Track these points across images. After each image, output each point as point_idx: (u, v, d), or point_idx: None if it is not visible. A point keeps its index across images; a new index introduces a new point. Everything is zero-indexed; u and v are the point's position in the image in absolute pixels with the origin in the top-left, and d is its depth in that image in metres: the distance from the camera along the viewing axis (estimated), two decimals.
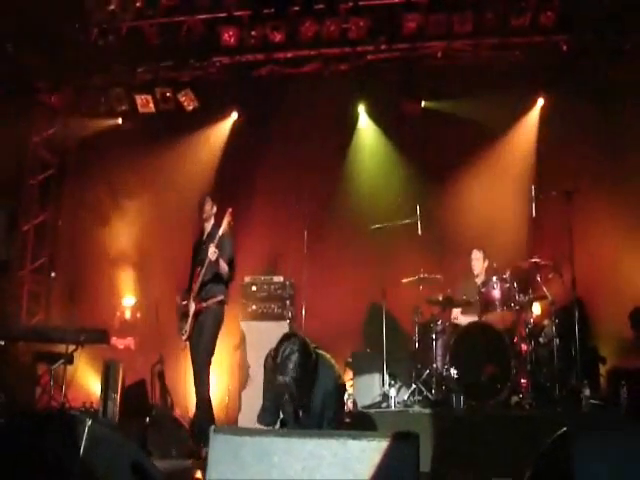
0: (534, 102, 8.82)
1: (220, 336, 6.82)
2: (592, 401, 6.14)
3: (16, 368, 8.04)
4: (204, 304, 6.27)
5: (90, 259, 9.41)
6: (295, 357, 3.94)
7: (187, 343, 6.34)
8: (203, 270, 6.18)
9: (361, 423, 6.15)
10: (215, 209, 6.59)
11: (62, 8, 8.75)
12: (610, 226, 7.86)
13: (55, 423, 4.87)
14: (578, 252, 6.68)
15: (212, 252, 6.03)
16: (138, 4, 8.60)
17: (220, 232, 6.14)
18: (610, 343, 7.32)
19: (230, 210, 6.25)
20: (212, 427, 3.09)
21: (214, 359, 6.37)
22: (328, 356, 4.35)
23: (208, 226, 6.58)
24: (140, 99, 9.21)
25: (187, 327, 6.25)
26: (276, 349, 4.02)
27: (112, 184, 9.45)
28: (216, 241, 6.10)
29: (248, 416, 7.13)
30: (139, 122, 9.52)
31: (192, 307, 6.27)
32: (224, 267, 6.22)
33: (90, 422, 4.55)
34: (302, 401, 4.11)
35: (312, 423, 4.12)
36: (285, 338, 4.05)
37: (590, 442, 3.12)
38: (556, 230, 7.07)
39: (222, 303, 6.38)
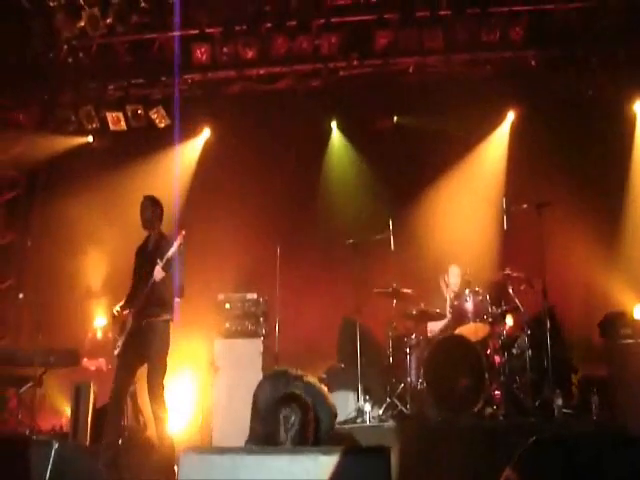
0: (504, 116, 9.20)
1: (194, 353, 6.88)
2: (564, 410, 6.37)
3: None
4: (144, 322, 6.09)
5: (60, 279, 9.46)
6: (297, 427, 3.72)
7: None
8: (147, 289, 6.04)
9: (336, 439, 6.28)
10: (158, 212, 6.40)
11: (31, 24, 8.95)
12: (580, 238, 8.20)
13: (21, 448, 4.95)
14: (549, 263, 6.93)
15: (158, 273, 5.94)
16: (108, 21, 8.73)
17: (169, 254, 5.98)
18: (581, 352, 7.57)
19: (183, 233, 6.08)
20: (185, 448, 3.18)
21: (188, 377, 6.42)
22: (319, 385, 4.34)
23: (153, 235, 6.41)
24: (111, 116, 9.34)
25: (120, 342, 6.13)
26: (277, 410, 3.96)
27: (82, 203, 9.52)
28: (163, 262, 5.96)
29: (223, 435, 7.24)
30: (110, 140, 9.69)
31: (129, 323, 6.12)
32: (170, 287, 6.10)
33: (57, 446, 4.64)
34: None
35: None
36: (285, 403, 3.80)
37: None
38: (527, 242, 7.32)
39: (167, 322, 6.22)
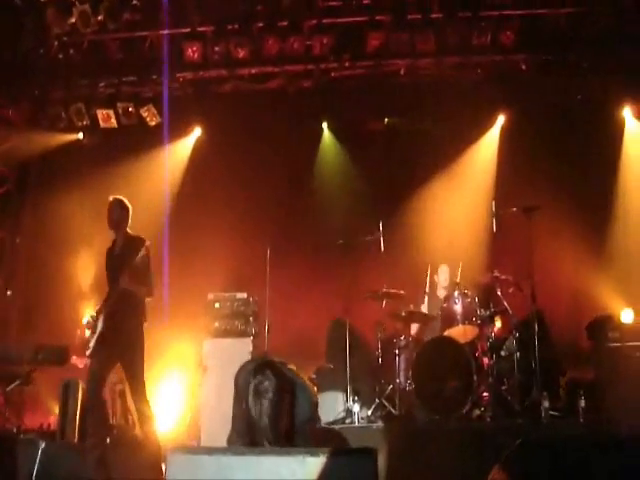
0: (495, 119, 9.30)
1: (183, 354, 6.88)
2: (552, 412, 6.44)
3: None
4: (116, 324, 6.07)
5: (49, 277, 9.45)
6: (270, 395, 3.77)
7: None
8: (115, 294, 6.07)
9: (324, 439, 6.34)
10: (124, 214, 6.40)
11: (22, 20, 8.94)
12: (568, 241, 8.32)
13: (8, 446, 4.96)
14: (538, 267, 7.03)
15: (123, 282, 5.99)
16: (100, 17, 8.71)
17: (135, 261, 6.03)
18: (569, 355, 7.68)
19: (147, 244, 6.15)
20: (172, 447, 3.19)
21: (177, 376, 6.43)
22: (300, 376, 4.37)
23: (119, 237, 6.41)
24: (101, 114, 9.34)
25: (92, 343, 6.12)
26: (249, 381, 3.82)
27: (72, 200, 9.51)
28: (127, 270, 6.01)
29: (211, 434, 7.26)
30: (100, 137, 9.69)
31: (100, 324, 6.10)
32: (139, 290, 6.15)
33: (44, 445, 4.65)
34: (277, 440, 3.99)
35: None
36: (259, 370, 3.62)
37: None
38: (516, 245, 7.42)
39: (140, 323, 6.22)
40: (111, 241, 6.49)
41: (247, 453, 3.15)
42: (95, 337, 6.10)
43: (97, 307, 6.32)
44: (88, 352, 6.17)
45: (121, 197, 6.49)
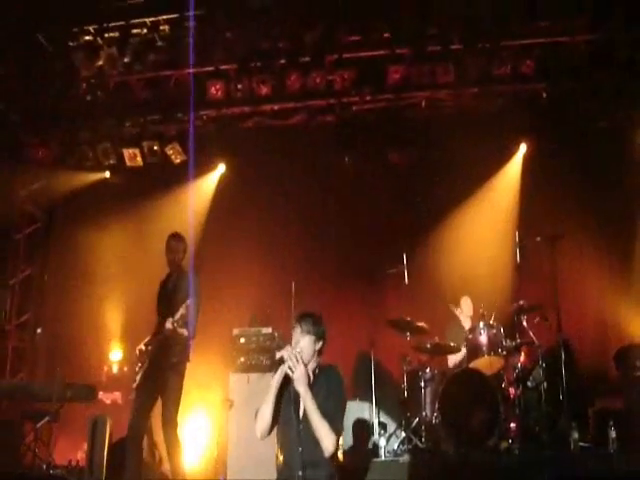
0: (517, 148, 9.38)
1: (209, 389, 7.00)
2: (581, 443, 6.42)
3: (1, 427, 8.26)
4: (162, 361, 6.28)
5: (77, 314, 9.66)
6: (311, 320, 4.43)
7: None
8: (161, 335, 6.26)
9: (352, 474, 6.40)
10: (183, 250, 6.67)
11: (51, 65, 9.33)
12: (594, 270, 8.33)
13: None
14: (563, 296, 7.06)
15: (168, 329, 6.16)
16: (126, 59, 9.05)
17: (181, 313, 6.13)
18: (597, 384, 7.64)
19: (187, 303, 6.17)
20: None
21: (203, 411, 6.53)
22: None
23: (174, 271, 6.65)
24: (127, 153, 9.62)
25: (138, 376, 6.33)
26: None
27: (99, 238, 9.78)
28: (176, 319, 6.14)
29: (237, 470, 7.35)
30: (127, 175, 9.99)
31: (147, 361, 6.30)
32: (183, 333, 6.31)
33: None
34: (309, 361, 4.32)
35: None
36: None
37: None
38: (541, 275, 7.47)
39: (183, 362, 6.44)
40: (166, 274, 6.74)
41: None
42: (142, 371, 6.31)
43: (146, 340, 6.49)
44: (135, 384, 6.36)
45: (178, 233, 6.75)
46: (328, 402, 4.25)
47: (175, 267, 6.69)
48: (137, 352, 6.52)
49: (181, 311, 6.16)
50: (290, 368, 4.26)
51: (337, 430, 4.20)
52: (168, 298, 6.50)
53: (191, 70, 9.07)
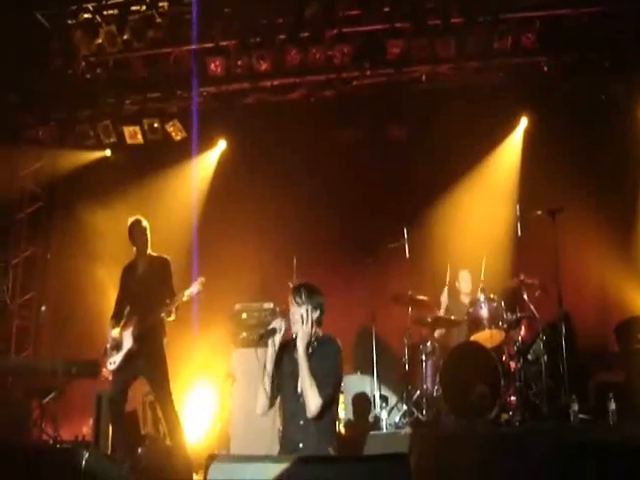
0: (517, 122, 9.36)
1: (212, 364, 7.04)
2: (581, 415, 6.48)
3: (7, 404, 8.37)
4: (147, 344, 6.36)
5: (80, 292, 9.72)
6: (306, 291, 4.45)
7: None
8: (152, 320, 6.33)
9: (353, 446, 6.48)
10: (146, 233, 6.72)
11: (50, 43, 9.32)
12: (595, 243, 8.34)
13: (50, 457, 5.17)
14: (564, 269, 7.06)
15: (168, 310, 6.27)
16: (125, 37, 9.03)
17: (187, 294, 6.25)
18: (598, 357, 7.69)
19: (202, 280, 6.34)
20: (209, 455, 3.33)
21: (206, 387, 6.60)
22: None
23: (141, 257, 6.73)
24: (128, 131, 9.66)
25: (117, 359, 6.36)
26: None
27: (101, 216, 9.82)
28: (176, 301, 6.26)
29: (240, 444, 7.43)
30: (127, 153, 10.02)
31: (128, 343, 6.36)
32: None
33: (87, 455, 4.86)
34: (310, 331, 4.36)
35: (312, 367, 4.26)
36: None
37: None
38: (542, 248, 7.45)
39: (163, 340, 6.54)
40: (131, 259, 6.82)
41: (288, 461, 3.29)
42: (123, 354, 6.35)
43: (122, 323, 6.52)
44: (113, 367, 6.41)
45: (140, 217, 6.78)
46: (320, 367, 4.29)
47: (142, 253, 6.73)
48: (115, 335, 6.50)
49: (182, 298, 6.27)
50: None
51: (325, 394, 4.21)
52: (141, 284, 6.57)
53: (194, 46, 9.05)
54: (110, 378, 8.65)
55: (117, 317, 6.60)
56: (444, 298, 8.09)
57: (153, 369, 6.44)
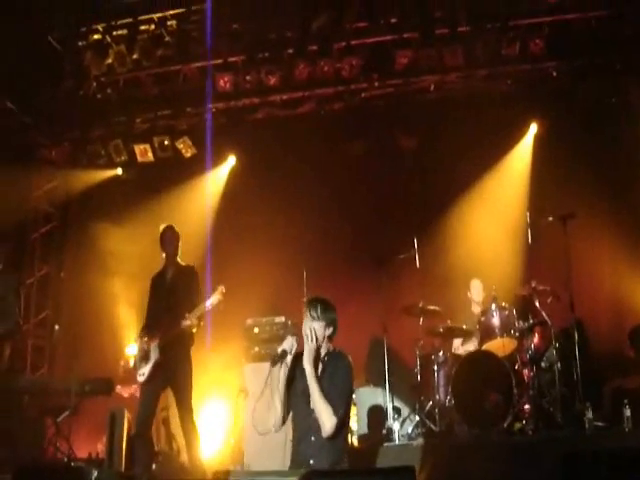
0: (527, 129, 9.35)
1: (225, 379, 7.11)
2: (595, 423, 6.44)
3: (22, 422, 8.49)
4: (173, 354, 6.44)
5: (93, 310, 9.89)
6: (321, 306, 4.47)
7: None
8: (175, 329, 6.38)
9: (367, 459, 6.50)
10: (178, 242, 6.77)
11: (62, 64, 9.57)
12: (606, 249, 8.32)
13: (59, 476, 5.27)
14: (576, 276, 7.06)
15: (186, 324, 6.32)
16: (134, 56, 9.24)
17: (208, 305, 6.36)
18: (612, 363, 7.63)
19: (222, 289, 6.44)
20: (223, 471, 3.46)
21: (219, 402, 6.65)
22: None
23: (170, 265, 6.76)
24: (139, 149, 9.85)
25: (146, 370, 6.45)
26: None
27: (113, 234, 9.99)
28: (197, 312, 6.33)
29: (254, 459, 7.48)
30: (138, 171, 10.21)
31: (154, 354, 6.44)
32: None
33: (96, 473, 4.95)
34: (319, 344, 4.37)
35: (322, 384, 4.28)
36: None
37: None
38: (553, 255, 7.44)
39: (190, 350, 6.62)
40: (160, 268, 6.86)
41: (294, 475, 3.41)
42: (151, 365, 6.43)
43: (150, 334, 6.58)
44: (142, 378, 6.49)
45: (173, 225, 6.85)
46: (332, 386, 4.32)
47: (172, 260, 6.80)
48: (142, 345, 6.60)
49: (202, 309, 6.37)
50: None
51: (339, 414, 4.24)
52: (169, 293, 6.64)
53: (209, 62, 9.19)
54: (125, 394, 8.92)
55: (147, 327, 6.68)
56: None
57: (178, 379, 6.50)
